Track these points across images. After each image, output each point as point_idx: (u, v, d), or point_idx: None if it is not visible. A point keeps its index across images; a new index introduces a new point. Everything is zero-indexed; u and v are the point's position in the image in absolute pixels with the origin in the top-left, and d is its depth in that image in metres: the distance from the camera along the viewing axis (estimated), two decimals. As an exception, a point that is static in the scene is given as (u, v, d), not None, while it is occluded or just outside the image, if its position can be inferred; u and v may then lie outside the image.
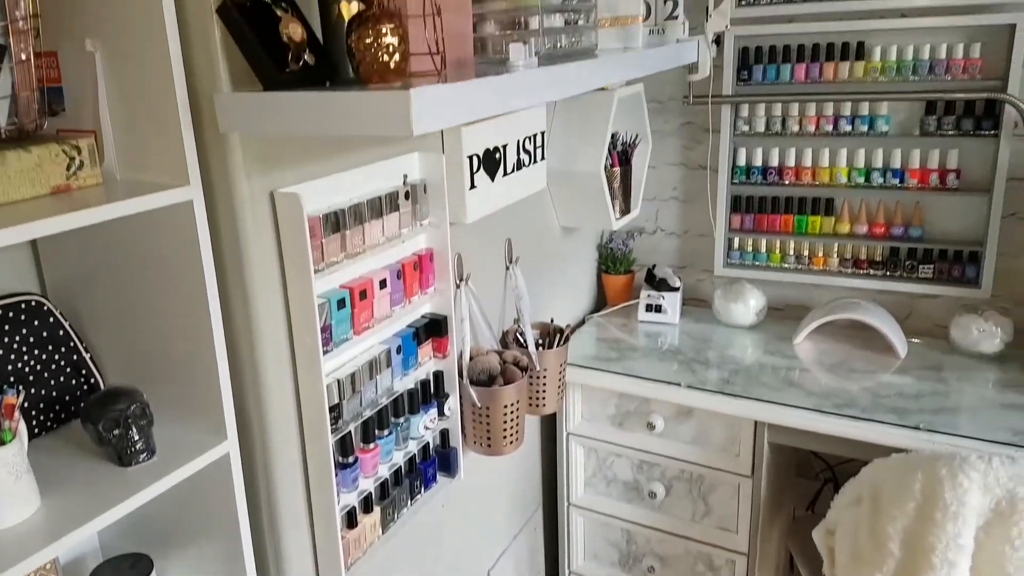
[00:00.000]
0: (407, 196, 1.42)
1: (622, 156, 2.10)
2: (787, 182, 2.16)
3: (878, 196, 2.09)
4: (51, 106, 1.10)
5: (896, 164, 2.03)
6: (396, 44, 1.01)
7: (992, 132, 1.90)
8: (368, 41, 1.00)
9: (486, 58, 1.52)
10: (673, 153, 2.33)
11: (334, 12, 1.07)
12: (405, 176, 1.44)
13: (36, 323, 1.16)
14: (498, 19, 1.50)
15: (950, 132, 1.95)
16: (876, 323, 2.00)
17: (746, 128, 2.17)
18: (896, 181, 2.04)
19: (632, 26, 1.76)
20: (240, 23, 0.97)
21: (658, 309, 2.28)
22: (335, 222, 1.24)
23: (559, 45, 1.56)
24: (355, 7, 1.02)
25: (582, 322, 2.34)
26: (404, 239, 1.42)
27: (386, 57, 1.01)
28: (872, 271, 2.14)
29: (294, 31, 1.01)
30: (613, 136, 2.07)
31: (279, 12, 1.01)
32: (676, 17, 1.91)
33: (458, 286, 1.61)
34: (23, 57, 1.01)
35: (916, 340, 2.06)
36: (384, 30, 1.00)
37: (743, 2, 2.06)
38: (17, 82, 1.02)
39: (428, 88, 0.93)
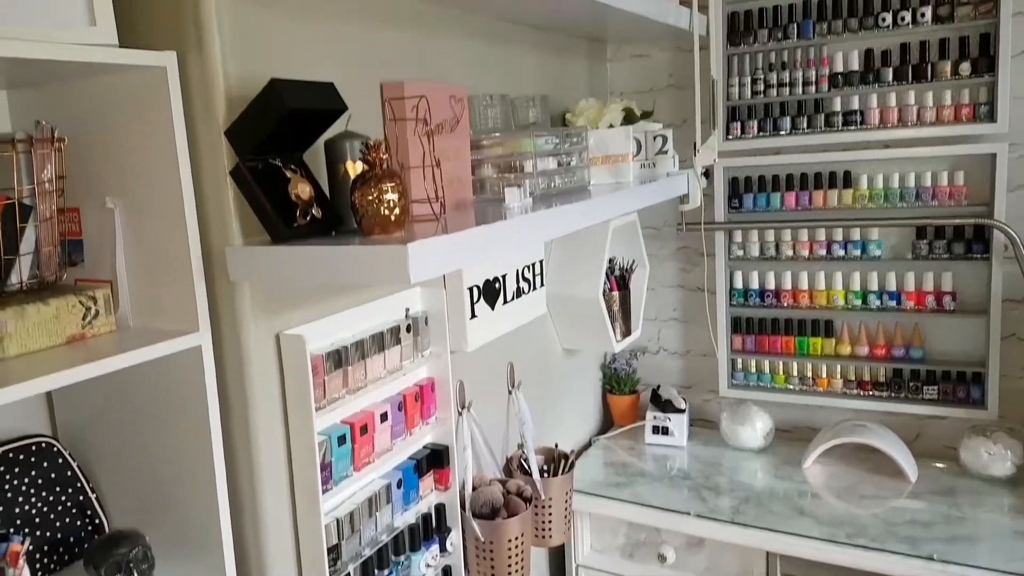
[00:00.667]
0: (409, 329, 1.48)
1: (620, 281, 2.18)
2: (785, 304, 2.22)
3: (876, 318, 2.15)
4: (71, 257, 1.18)
5: (892, 287, 2.10)
6: (396, 200, 1.10)
7: (983, 255, 1.98)
8: (370, 198, 1.08)
9: (484, 197, 1.62)
10: (671, 275, 2.41)
11: (340, 170, 1.17)
12: (407, 310, 1.51)
13: (45, 464, 1.20)
14: (495, 163, 1.61)
15: (942, 256, 2.03)
16: (884, 447, 2.00)
17: (740, 253, 2.26)
18: (893, 303, 2.10)
19: (623, 164, 1.87)
20: (252, 184, 1.06)
21: (665, 431, 2.30)
22: (338, 359, 1.30)
23: (553, 185, 1.66)
24: (359, 167, 1.11)
25: (588, 444, 2.36)
26: (406, 371, 1.48)
27: (387, 211, 1.09)
28: (877, 392, 2.17)
29: (302, 190, 1.10)
30: (611, 261, 2.16)
31: (288, 173, 1.10)
32: (666, 152, 2.03)
33: (460, 414, 1.65)
34: (47, 215, 1.10)
35: (927, 463, 2.06)
36: (386, 188, 1.09)
37: (730, 136, 2.19)
38: (41, 238, 1.10)
39: (425, 242, 1.01)
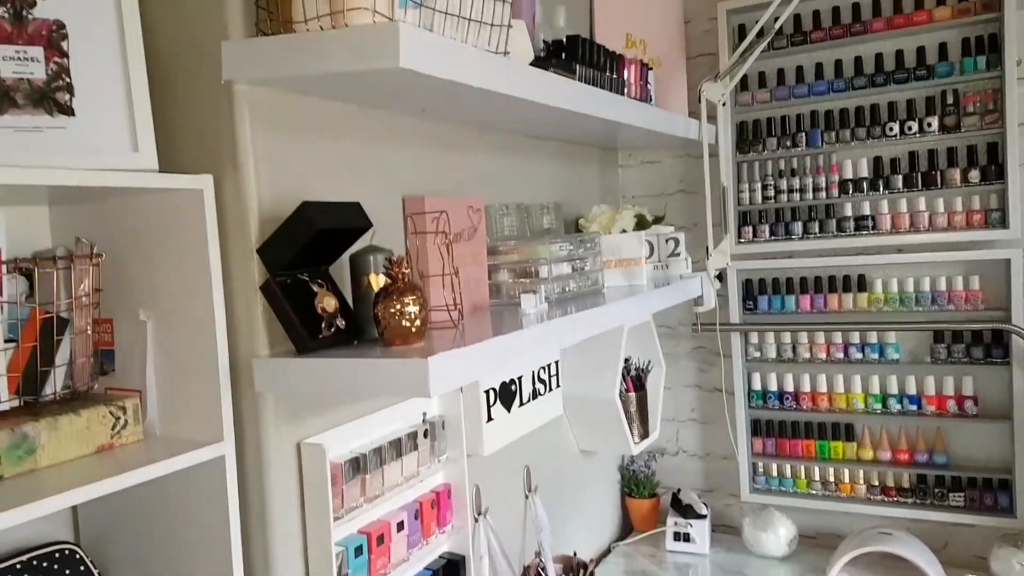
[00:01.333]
0: (426, 434, 1.51)
1: (637, 381, 2.20)
2: (804, 407, 2.23)
3: (898, 422, 2.15)
4: (103, 366, 1.24)
5: (911, 390, 2.11)
6: (417, 312, 1.15)
7: (1003, 360, 1.99)
8: (392, 311, 1.14)
9: (500, 301, 1.68)
10: (688, 375, 2.44)
11: (364, 283, 1.23)
12: (424, 414, 1.54)
13: (68, 572, 1.22)
14: (511, 268, 1.67)
15: (962, 360, 2.05)
16: (912, 556, 1.97)
17: (757, 354, 2.29)
18: (914, 407, 2.11)
19: (636, 267, 1.94)
20: (281, 300, 1.12)
21: (687, 538, 2.28)
22: (356, 466, 1.33)
23: (568, 289, 1.72)
24: (382, 280, 1.17)
25: (608, 551, 2.33)
26: (422, 477, 1.50)
27: (407, 323, 1.15)
28: (902, 499, 2.15)
29: (328, 303, 1.16)
30: (626, 361, 2.19)
31: (315, 287, 1.17)
32: (678, 255, 2.09)
33: (476, 520, 1.65)
34: (82, 328, 1.16)
35: (958, 574, 2.02)
36: (407, 300, 1.14)
37: (742, 239, 2.25)
38: (75, 350, 1.16)
39: (445, 355, 1.05)
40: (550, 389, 2.00)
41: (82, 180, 0.98)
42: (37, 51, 1.02)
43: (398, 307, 1.14)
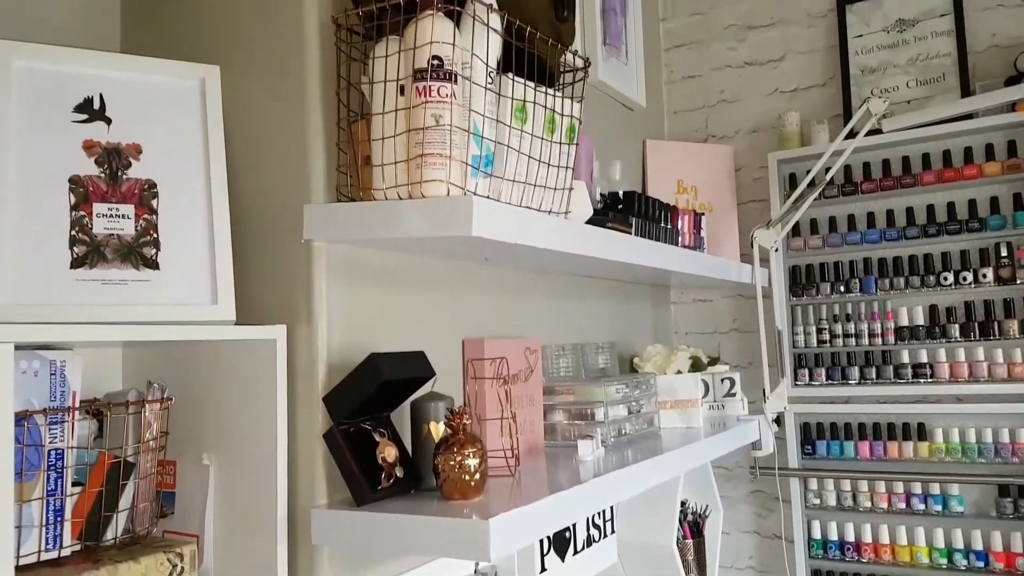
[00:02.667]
0: (478, 585, 1.43)
1: (694, 527, 2.08)
2: (867, 559, 2.08)
3: (966, 580, 1.98)
4: (163, 509, 1.20)
5: (978, 546, 1.95)
6: (476, 465, 1.10)
7: (1075, 518, 1.84)
8: (452, 463, 1.09)
9: (555, 442, 1.62)
10: (745, 520, 2.30)
11: (424, 431, 1.19)
12: (476, 564, 1.46)
13: None
14: (567, 409, 1.62)
15: (1030, 516, 1.90)
16: None
17: (817, 501, 2.15)
18: (981, 564, 1.94)
19: (692, 409, 1.87)
20: (342, 448, 1.09)
21: None
22: (407, 620, 1.25)
23: (624, 432, 1.66)
24: (443, 430, 1.13)
25: None
26: (472, 631, 1.40)
27: (467, 477, 1.10)
28: (976, 666, 1.95)
29: (389, 453, 1.12)
30: (683, 504, 2.08)
31: (377, 437, 1.13)
32: (734, 395, 2.02)
33: (527, 677, 1.54)
34: (147, 471, 1.13)
35: None
36: (467, 452, 1.10)
37: (798, 382, 2.17)
38: (138, 494, 1.13)
39: (505, 518, 1.00)
40: (605, 535, 1.89)
41: (160, 336, 0.98)
42: (129, 208, 1.05)
43: (458, 459, 1.10)
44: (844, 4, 2.21)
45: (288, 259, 1.15)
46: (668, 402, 1.90)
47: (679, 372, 1.97)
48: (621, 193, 1.67)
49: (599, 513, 1.88)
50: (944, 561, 1.99)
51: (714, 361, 2.09)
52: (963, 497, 1.99)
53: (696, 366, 2.00)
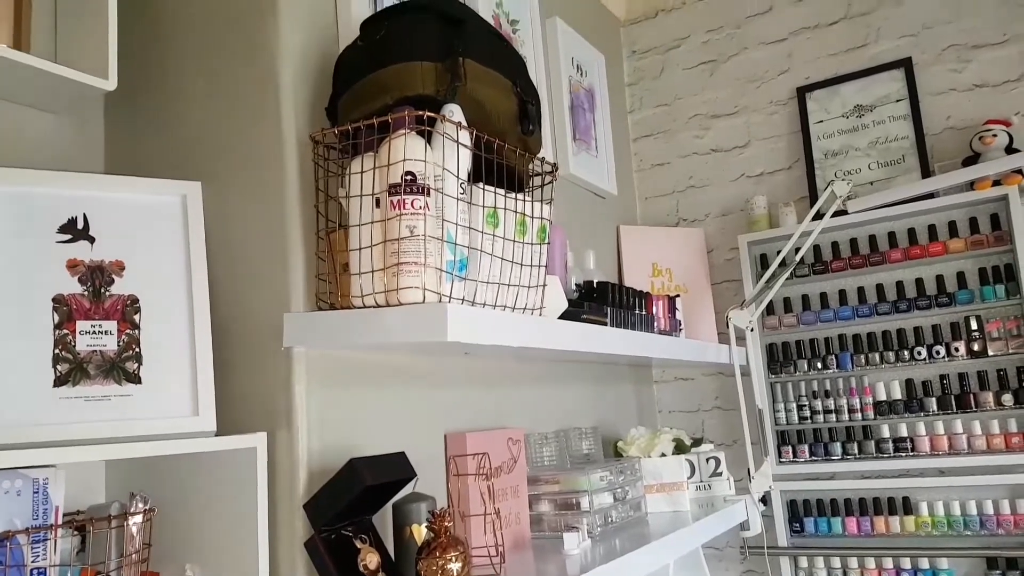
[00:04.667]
0: None
1: (685, 612, 2.04)
2: (862, 639, 2.03)
3: (964, 658, 1.94)
4: (144, 622, 1.17)
5: (974, 623, 1.92)
6: (459, 568, 1.09)
7: (1066, 591, 1.82)
8: (434, 569, 1.08)
9: (542, 533, 1.60)
10: (737, 601, 2.25)
11: (406, 534, 1.18)
12: (465, 663, 1.42)
13: None
14: (552, 499, 1.61)
15: (1022, 591, 1.87)
16: None
17: (808, 580, 2.12)
18: (979, 642, 1.91)
19: (678, 492, 1.85)
20: (324, 557, 1.08)
21: None
22: None
23: (610, 520, 1.64)
24: (424, 532, 1.12)
25: None
26: None
27: (449, 581, 1.08)
28: None
29: (371, 560, 1.11)
30: (674, 589, 2.04)
31: (359, 543, 1.12)
32: (720, 474, 2.00)
33: None
34: (130, 585, 1.11)
35: None
36: (449, 556, 1.09)
37: (782, 459, 2.16)
38: (120, 609, 1.11)
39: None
40: (594, 624, 1.85)
41: (140, 452, 0.98)
42: (111, 324, 1.06)
43: (440, 564, 1.09)
44: (804, 92, 2.31)
45: (268, 366, 1.16)
46: (654, 486, 1.88)
47: (663, 455, 1.96)
48: (596, 282, 1.70)
49: (589, 603, 1.83)
50: (940, 638, 1.95)
51: (698, 442, 2.08)
52: (952, 571, 1.96)
53: (680, 448, 1.99)
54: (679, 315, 2.07)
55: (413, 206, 1.04)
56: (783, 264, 2.11)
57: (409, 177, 1.04)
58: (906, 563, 2.01)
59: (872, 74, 2.21)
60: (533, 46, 1.95)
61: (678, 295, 2.11)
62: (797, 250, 2.12)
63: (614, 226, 2.37)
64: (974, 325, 1.99)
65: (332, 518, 1.12)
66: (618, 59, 2.61)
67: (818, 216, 2.06)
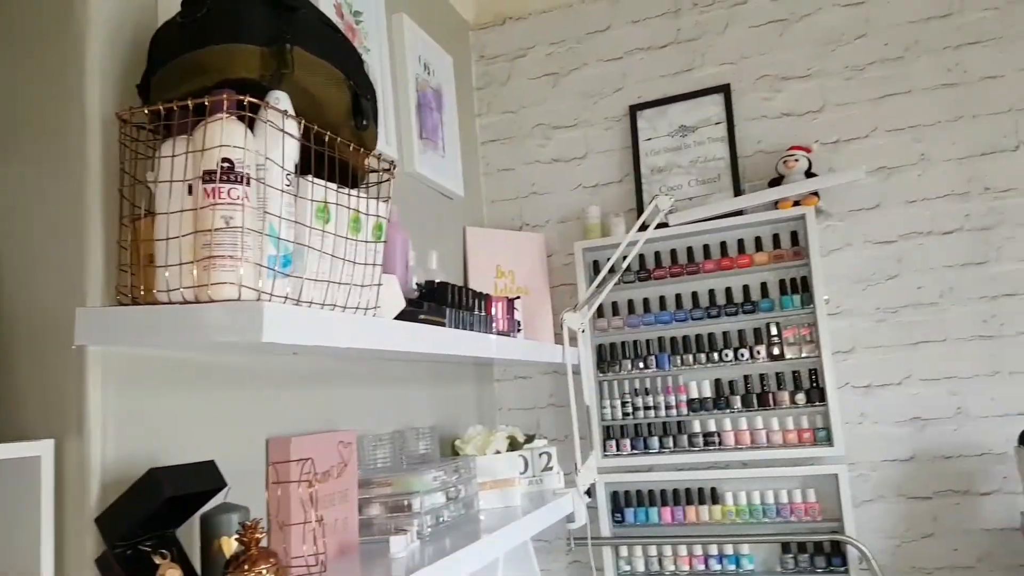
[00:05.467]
0: None
1: (513, 603, 2.01)
2: (673, 620, 2.10)
3: (758, 634, 2.05)
4: None
5: (768, 600, 2.03)
6: (272, 582, 0.98)
7: (842, 568, 1.97)
8: (244, 583, 0.97)
9: (373, 537, 1.51)
10: (563, 590, 2.27)
11: (214, 546, 1.05)
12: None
13: None
14: (383, 502, 1.52)
15: (807, 569, 2.00)
16: None
17: (628, 568, 2.17)
18: (771, 618, 2.02)
19: (511, 488, 1.82)
20: (116, 573, 0.93)
21: None
22: None
23: (441, 520, 1.58)
24: (234, 545, 1.01)
25: None
26: None
27: (260, 597, 0.97)
28: None
29: (171, 577, 0.98)
30: (502, 582, 2.01)
31: (157, 559, 0.98)
32: (551, 468, 2.00)
33: None
34: None
35: None
36: (261, 570, 0.98)
37: (607, 452, 2.20)
38: None
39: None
40: (421, 622, 1.78)
41: None
42: None
43: (250, 578, 0.98)
44: (636, 110, 2.36)
45: (59, 366, 0.99)
46: (488, 483, 1.84)
47: (498, 452, 1.93)
48: (436, 283, 1.63)
49: (417, 601, 1.76)
50: (739, 616, 2.05)
51: (531, 438, 2.07)
52: (753, 556, 2.07)
53: (513, 445, 1.97)
54: (518, 316, 2.05)
55: (230, 195, 0.92)
56: (612, 270, 2.14)
57: (226, 164, 0.92)
58: (713, 550, 2.10)
59: (696, 97, 2.30)
60: (378, 41, 1.85)
61: (518, 297, 2.08)
62: (625, 258, 2.16)
63: (461, 226, 2.31)
64: (774, 331, 2.11)
65: (129, 532, 0.98)
66: (467, 62, 2.56)
67: (644, 227, 2.11)
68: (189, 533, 1.10)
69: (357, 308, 1.14)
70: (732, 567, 2.07)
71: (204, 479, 1.03)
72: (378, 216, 1.19)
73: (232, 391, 1.26)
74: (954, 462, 1.98)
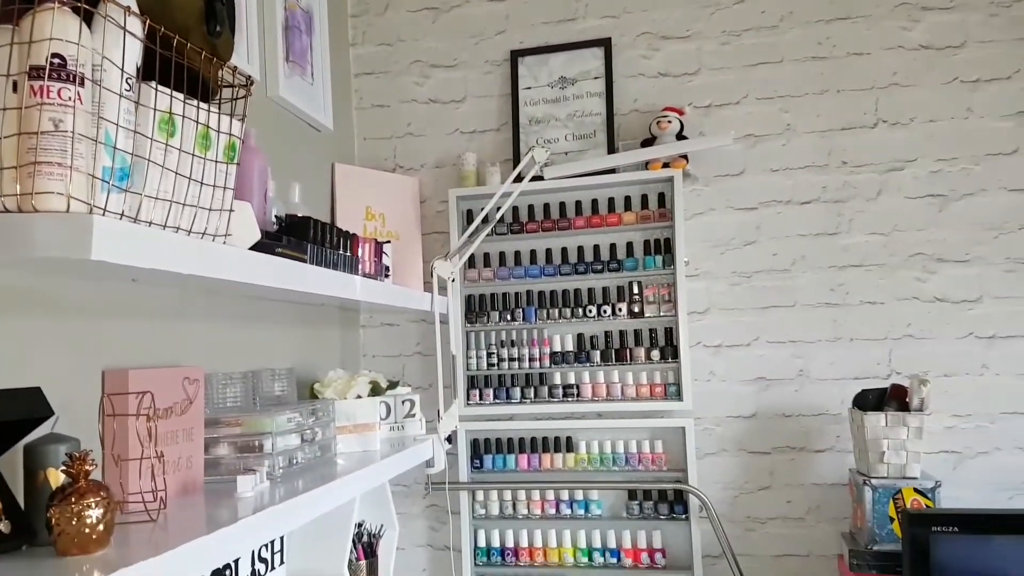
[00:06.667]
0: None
1: (368, 548, 2.03)
2: (523, 563, 2.20)
3: (602, 575, 2.18)
4: None
5: (612, 544, 2.17)
6: (100, 515, 0.94)
7: (683, 515, 2.12)
8: (68, 516, 0.92)
9: (220, 477, 1.47)
10: (420, 535, 2.32)
11: (39, 477, 1.00)
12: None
13: None
14: (232, 442, 1.48)
15: (651, 516, 2.15)
16: None
17: (483, 511, 2.24)
18: (614, 560, 2.16)
19: (370, 432, 1.83)
20: (-87, 508, 0.86)
21: None
22: None
23: (295, 462, 1.56)
24: (60, 477, 0.95)
25: None
26: None
27: (87, 530, 0.93)
28: (608, 648, 2.15)
29: (-17, 507, 0.91)
30: (359, 526, 2.02)
31: (-33, 489, 0.92)
32: (414, 415, 2.02)
33: None
34: None
35: None
36: (88, 502, 0.93)
37: (470, 401, 2.24)
38: None
39: (131, 570, 0.86)
40: (272, 568, 1.77)
41: None
42: None
43: (76, 510, 0.93)
44: (517, 56, 2.36)
45: None
46: (347, 427, 1.84)
47: (359, 397, 1.92)
48: (298, 217, 1.58)
49: (266, 546, 1.75)
50: (585, 559, 2.18)
51: (394, 385, 2.07)
52: (602, 502, 2.20)
53: (375, 391, 1.97)
54: (387, 260, 2.03)
55: (60, 96, 0.85)
56: (485, 220, 2.16)
57: (57, 61, 0.85)
58: (565, 495, 2.21)
59: (577, 48, 2.32)
60: (245, -47, 1.74)
61: (388, 241, 2.06)
62: (499, 209, 2.18)
63: (330, 163, 2.24)
64: (635, 290, 2.21)
65: (-68, 462, 0.90)
66: (343, -13, 2.46)
67: (519, 179, 2.14)
68: (12, 463, 1.03)
69: (204, 233, 1.09)
70: (581, 511, 2.19)
71: (26, 406, 0.97)
72: (230, 135, 1.13)
73: (64, 317, 1.17)
74: (793, 420, 2.17)
